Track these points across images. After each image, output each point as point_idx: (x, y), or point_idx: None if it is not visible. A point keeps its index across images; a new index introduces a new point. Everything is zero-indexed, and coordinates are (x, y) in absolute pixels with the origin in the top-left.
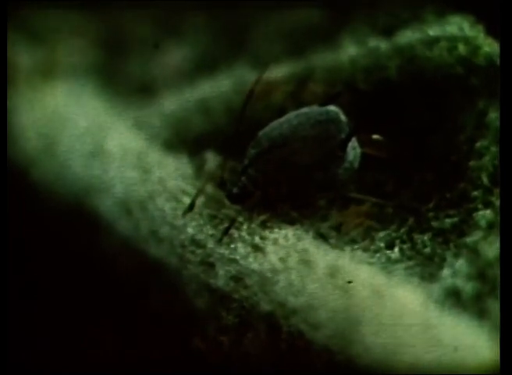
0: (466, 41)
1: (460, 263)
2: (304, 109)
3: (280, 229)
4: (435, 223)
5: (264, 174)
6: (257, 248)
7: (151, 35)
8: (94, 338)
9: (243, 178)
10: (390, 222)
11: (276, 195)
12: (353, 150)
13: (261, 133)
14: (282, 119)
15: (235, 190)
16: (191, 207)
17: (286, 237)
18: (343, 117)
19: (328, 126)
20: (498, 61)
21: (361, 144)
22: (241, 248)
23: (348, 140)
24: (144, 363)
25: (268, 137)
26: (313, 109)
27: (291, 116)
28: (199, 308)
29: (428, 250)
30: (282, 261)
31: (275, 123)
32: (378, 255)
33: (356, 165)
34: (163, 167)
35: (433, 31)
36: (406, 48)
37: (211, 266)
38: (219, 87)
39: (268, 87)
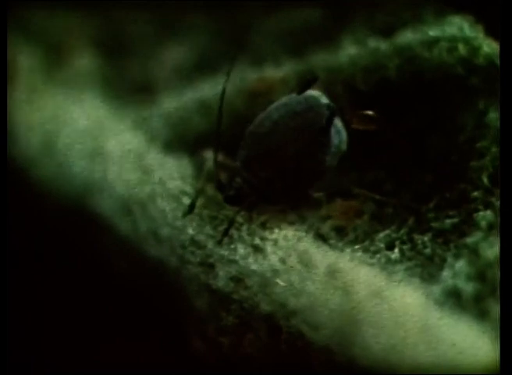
0: (466, 41)
1: (461, 264)
2: (284, 100)
3: (280, 229)
4: (435, 224)
5: (256, 174)
6: (257, 249)
7: (151, 35)
8: (93, 338)
9: (237, 180)
10: (390, 222)
11: (273, 193)
12: (338, 134)
13: (247, 132)
14: (264, 115)
15: (231, 192)
16: (191, 209)
17: (285, 238)
18: (323, 102)
19: (306, 115)
20: (498, 61)
21: (349, 121)
22: (241, 249)
23: (329, 125)
24: (143, 364)
25: (254, 135)
26: (292, 99)
27: (272, 109)
28: (199, 309)
29: (428, 251)
30: (282, 261)
31: (257, 120)
32: (378, 255)
33: (344, 147)
34: (163, 167)
35: (433, 32)
36: (406, 48)
37: (211, 266)
38: (219, 87)
39: (268, 86)
